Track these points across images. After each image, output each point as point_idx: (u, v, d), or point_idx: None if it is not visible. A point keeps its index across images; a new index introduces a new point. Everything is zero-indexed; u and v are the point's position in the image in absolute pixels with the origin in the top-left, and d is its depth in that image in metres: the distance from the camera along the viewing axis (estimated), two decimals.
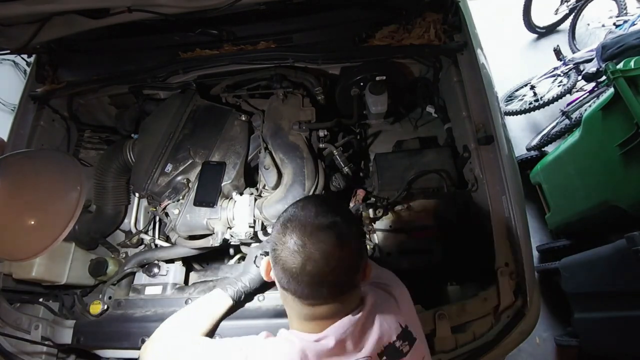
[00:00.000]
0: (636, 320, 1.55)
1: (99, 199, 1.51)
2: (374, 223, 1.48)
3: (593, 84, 2.53)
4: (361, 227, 0.73)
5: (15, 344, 1.24)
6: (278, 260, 0.69)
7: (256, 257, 1.12)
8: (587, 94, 2.57)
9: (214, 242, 1.28)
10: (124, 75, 1.61)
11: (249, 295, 1.13)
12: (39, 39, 1.32)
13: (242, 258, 1.39)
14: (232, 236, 1.28)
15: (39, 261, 1.33)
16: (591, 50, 2.60)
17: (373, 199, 1.47)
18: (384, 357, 0.71)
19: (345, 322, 0.70)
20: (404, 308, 0.82)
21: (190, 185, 1.36)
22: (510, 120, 3.12)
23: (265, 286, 1.15)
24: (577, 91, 2.70)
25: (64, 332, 1.20)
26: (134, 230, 1.54)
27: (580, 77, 2.63)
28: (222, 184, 1.33)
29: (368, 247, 1.47)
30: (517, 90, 3.17)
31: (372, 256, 1.47)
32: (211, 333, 1.02)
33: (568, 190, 2.10)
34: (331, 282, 0.67)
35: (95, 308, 1.25)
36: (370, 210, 1.46)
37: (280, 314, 1.14)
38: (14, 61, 3.45)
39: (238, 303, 1.09)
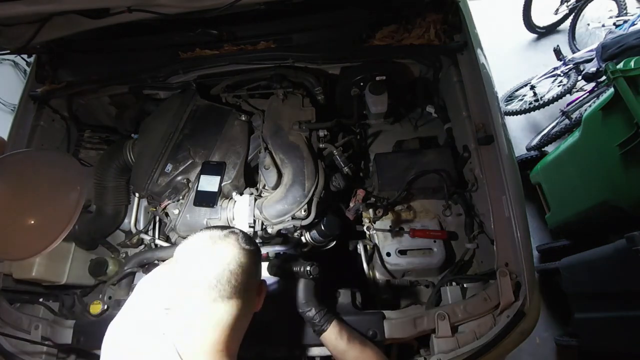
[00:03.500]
0: (636, 320, 1.54)
1: (99, 199, 1.51)
2: (374, 223, 1.48)
3: (593, 84, 2.53)
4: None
5: (15, 344, 1.24)
6: (188, 261, 0.73)
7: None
8: (587, 94, 2.57)
9: None
10: (124, 75, 1.61)
11: None
12: (39, 39, 1.32)
13: None
14: None
15: (39, 261, 1.33)
16: (591, 50, 2.60)
17: (373, 199, 1.47)
18: None
19: None
20: None
21: (190, 185, 1.36)
22: (510, 120, 3.12)
23: None
24: (577, 91, 2.70)
25: (64, 332, 1.20)
26: (134, 230, 1.54)
27: (580, 77, 2.63)
28: (222, 184, 1.33)
29: (368, 247, 1.47)
30: (517, 90, 3.17)
31: (373, 256, 1.48)
32: None
33: (568, 190, 2.09)
34: (234, 274, 0.72)
35: (95, 308, 1.25)
36: (370, 210, 1.46)
37: None
38: (14, 61, 3.45)
39: None
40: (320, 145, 1.48)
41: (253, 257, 0.77)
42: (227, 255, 0.73)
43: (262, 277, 0.87)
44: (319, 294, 1.07)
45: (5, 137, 1.59)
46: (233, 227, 0.81)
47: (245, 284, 0.73)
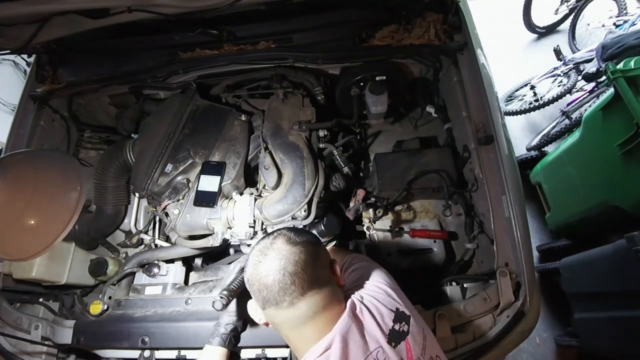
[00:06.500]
0: (636, 320, 1.54)
1: (99, 199, 1.51)
2: (374, 223, 1.48)
3: (593, 84, 2.53)
4: (312, 236, 0.85)
5: (15, 344, 1.24)
6: (253, 282, 0.76)
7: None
8: (587, 94, 2.57)
9: (214, 242, 1.28)
10: (124, 75, 1.61)
11: (238, 331, 1.08)
12: (39, 39, 1.32)
13: None
14: (232, 236, 1.29)
15: (39, 261, 1.33)
16: (591, 50, 2.60)
17: (373, 199, 1.47)
18: (392, 343, 0.74)
19: (342, 323, 0.73)
20: (389, 292, 0.84)
21: (190, 185, 1.36)
22: (510, 120, 3.12)
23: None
24: (577, 91, 2.70)
25: (64, 332, 1.20)
26: (134, 230, 1.54)
27: (580, 77, 2.63)
28: (222, 184, 1.33)
29: (366, 246, 1.48)
30: (517, 90, 3.17)
31: (373, 256, 1.48)
32: None
33: (568, 190, 2.10)
34: (295, 274, 0.73)
35: (95, 308, 1.25)
36: (370, 210, 1.46)
37: None
38: (14, 61, 3.45)
39: (231, 344, 1.04)
40: (320, 145, 1.48)
41: (308, 248, 0.78)
42: (280, 260, 0.74)
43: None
44: None
45: (5, 137, 1.59)
46: (279, 230, 0.83)
47: (312, 275, 0.74)
